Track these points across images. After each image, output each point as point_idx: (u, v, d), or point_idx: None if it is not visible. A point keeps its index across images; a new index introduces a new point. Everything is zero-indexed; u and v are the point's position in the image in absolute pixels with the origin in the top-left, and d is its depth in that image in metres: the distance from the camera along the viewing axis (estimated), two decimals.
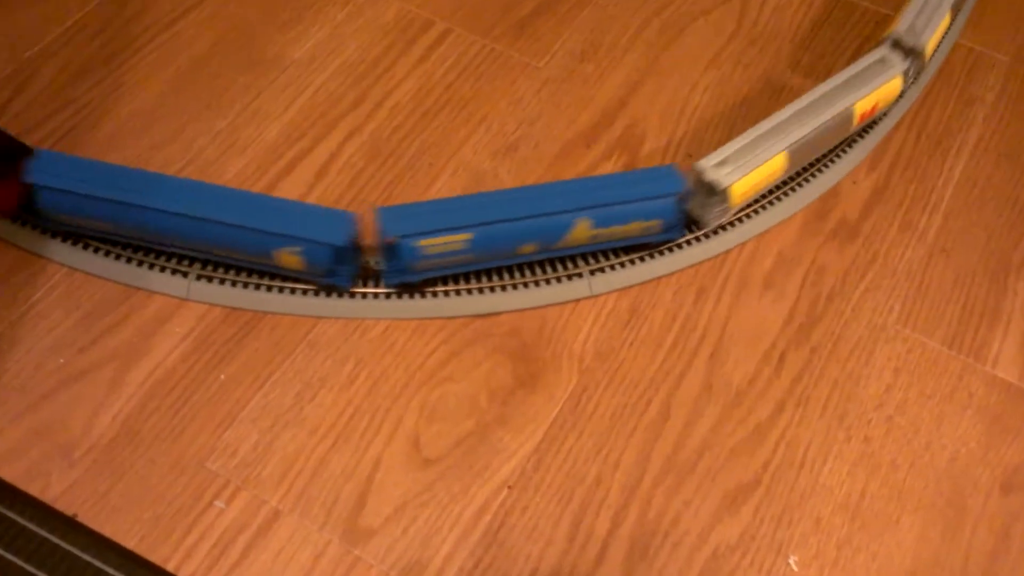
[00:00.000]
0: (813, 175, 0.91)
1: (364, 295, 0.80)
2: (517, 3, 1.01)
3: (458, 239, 0.77)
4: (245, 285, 0.80)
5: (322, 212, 0.80)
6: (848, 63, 0.98)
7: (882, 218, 0.90)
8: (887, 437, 0.78)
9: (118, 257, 0.81)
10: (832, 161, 0.92)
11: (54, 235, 0.81)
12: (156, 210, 0.76)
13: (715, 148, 0.91)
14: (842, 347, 0.82)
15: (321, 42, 0.97)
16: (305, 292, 0.80)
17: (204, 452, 0.74)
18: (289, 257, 0.77)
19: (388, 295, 0.81)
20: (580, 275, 0.83)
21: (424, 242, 0.76)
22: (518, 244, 0.80)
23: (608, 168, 0.91)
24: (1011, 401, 0.80)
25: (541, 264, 0.84)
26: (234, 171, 0.88)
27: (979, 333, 0.83)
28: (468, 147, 0.91)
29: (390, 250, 0.77)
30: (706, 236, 0.87)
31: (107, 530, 0.70)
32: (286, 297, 0.80)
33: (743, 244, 0.87)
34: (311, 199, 0.87)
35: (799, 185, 0.91)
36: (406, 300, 0.80)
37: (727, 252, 0.87)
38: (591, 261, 0.84)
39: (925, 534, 0.74)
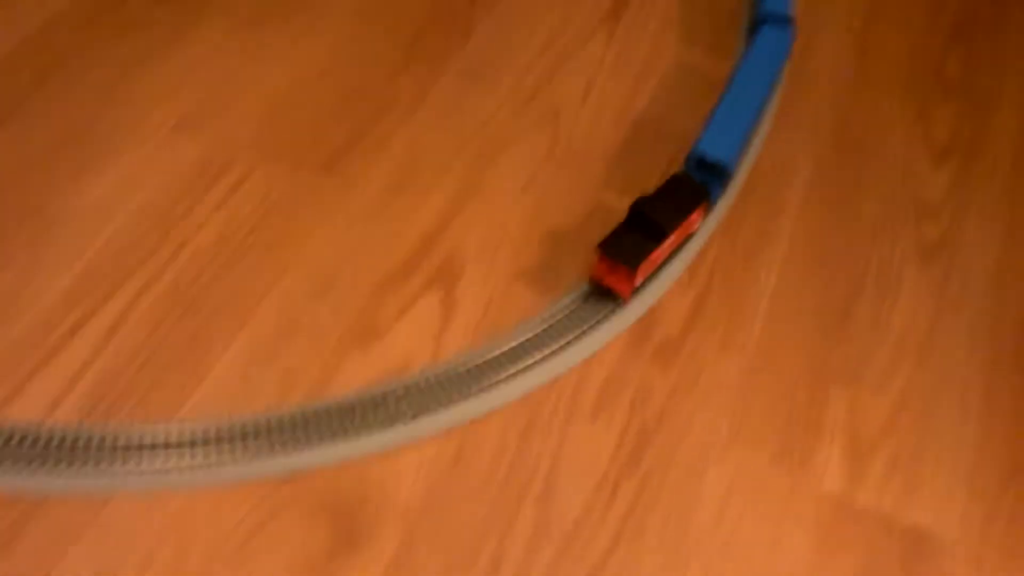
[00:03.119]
0: (633, 294, 0.91)
1: (165, 471, 0.74)
2: (326, 136, 0.99)
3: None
4: (19, 461, 0.72)
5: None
6: (659, 180, 1.00)
7: (704, 333, 0.90)
8: (723, 564, 0.76)
9: None
10: (650, 279, 0.92)
11: None
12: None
13: (536, 272, 0.91)
14: (673, 472, 0.80)
15: (113, 187, 0.91)
16: (98, 463, 0.73)
17: None
18: None
19: (192, 469, 0.74)
20: (399, 421, 0.79)
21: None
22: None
23: (428, 300, 0.88)
24: (839, 514, 0.79)
25: (357, 411, 0.79)
26: (15, 335, 0.81)
27: (805, 446, 0.83)
28: (278, 290, 0.87)
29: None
30: (529, 367, 0.84)
31: None
32: (73, 474, 0.73)
33: (568, 372, 0.86)
34: (105, 356, 0.80)
35: (620, 306, 0.90)
36: (212, 468, 0.74)
37: (552, 381, 0.85)
38: (410, 404, 0.80)
39: None
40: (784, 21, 1.09)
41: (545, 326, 0.88)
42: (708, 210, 0.94)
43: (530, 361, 0.85)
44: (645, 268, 0.88)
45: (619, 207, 0.97)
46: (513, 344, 0.86)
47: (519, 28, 1.13)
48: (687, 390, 0.86)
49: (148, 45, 1.04)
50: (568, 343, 0.87)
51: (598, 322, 0.89)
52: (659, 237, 0.87)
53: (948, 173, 1.05)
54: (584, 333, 0.88)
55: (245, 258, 0.88)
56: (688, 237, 0.93)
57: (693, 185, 0.91)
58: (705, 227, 0.96)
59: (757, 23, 1.10)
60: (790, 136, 1.07)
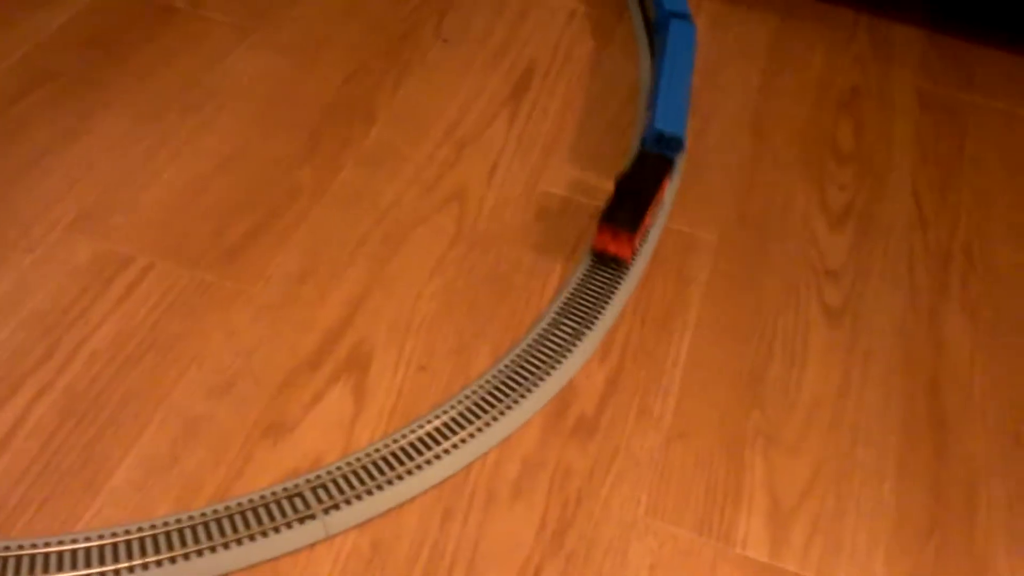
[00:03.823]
0: (547, 372, 0.90)
1: None
2: (226, 228, 0.97)
3: None
4: None
5: None
6: (568, 256, 1.01)
7: (619, 409, 0.89)
8: None
9: None
10: (564, 356, 0.92)
11: None
12: None
13: (447, 356, 0.90)
14: (596, 551, 0.79)
15: (5, 292, 0.88)
16: None
17: None
18: None
19: None
20: (313, 516, 0.77)
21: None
22: None
23: (338, 390, 0.86)
24: None
25: (268, 509, 0.76)
26: None
27: (725, 514, 0.83)
28: (179, 391, 0.84)
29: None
30: (446, 452, 0.83)
31: None
32: None
33: (485, 455, 0.84)
34: None
35: (535, 385, 0.89)
36: None
37: (470, 465, 0.83)
38: (323, 498, 0.78)
39: None
40: (686, 17, 1.22)
41: (460, 409, 0.87)
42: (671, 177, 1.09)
43: (446, 445, 0.83)
44: (641, 232, 1.00)
45: (529, 285, 0.97)
46: (428, 429, 0.85)
47: (422, 115, 1.14)
48: (606, 466, 0.85)
49: (43, 143, 1.02)
50: (484, 425, 0.85)
51: (514, 402, 0.88)
52: (647, 202, 1.00)
53: (847, 237, 1.08)
54: (500, 414, 0.86)
55: (143, 359, 0.85)
56: (661, 203, 1.07)
57: (657, 157, 1.04)
58: (615, 301, 0.97)
59: (662, 22, 1.23)
60: (694, 210, 1.09)
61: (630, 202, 0.99)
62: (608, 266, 0.99)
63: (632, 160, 1.04)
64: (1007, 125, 1.27)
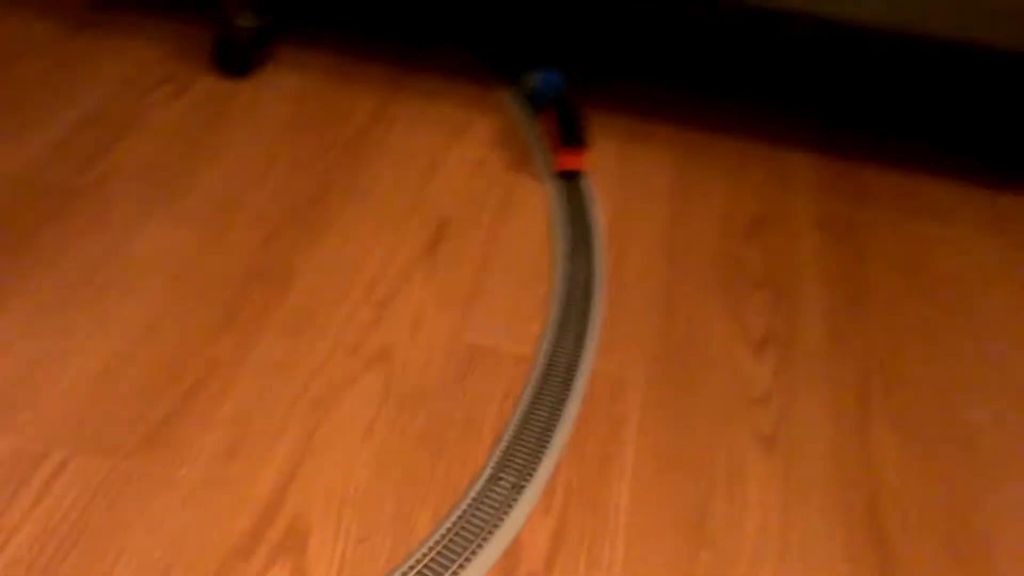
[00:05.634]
0: (491, 531, 0.88)
1: None
2: (145, 411, 0.94)
3: None
4: None
5: None
6: (500, 406, 1.00)
7: (568, 562, 0.87)
8: None
9: None
10: (507, 512, 0.90)
11: None
12: None
13: (388, 524, 0.87)
14: None
15: None
16: None
17: None
18: None
19: None
20: None
21: None
22: None
23: (276, 574, 0.82)
24: None
25: None
26: None
27: None
28: None
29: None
30: None
31: None
32: None
33: None
34: None
35: (479, 546, 0.87)
36: None
37: None
38: None
39: None
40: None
41: None
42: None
43: None
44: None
45: (464, 440, 0.96)
46: None
47: (340, 274, 1.13)
48: None
49: None
50: None
51: (460, 567, 0.85)
52: (581, 125, 1.32)
53: (770, 363, 1.10)
54: None
55: (65, 561, 0.80)
56: None
57: (558, 99, 1.38)
58: (551, 450, 0.96)
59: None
60: (618, 348, 1.09)
61: (569, 129, 1.30)
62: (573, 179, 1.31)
63: (547, 105, 1.39)
64: (899, 236, 1.33)
